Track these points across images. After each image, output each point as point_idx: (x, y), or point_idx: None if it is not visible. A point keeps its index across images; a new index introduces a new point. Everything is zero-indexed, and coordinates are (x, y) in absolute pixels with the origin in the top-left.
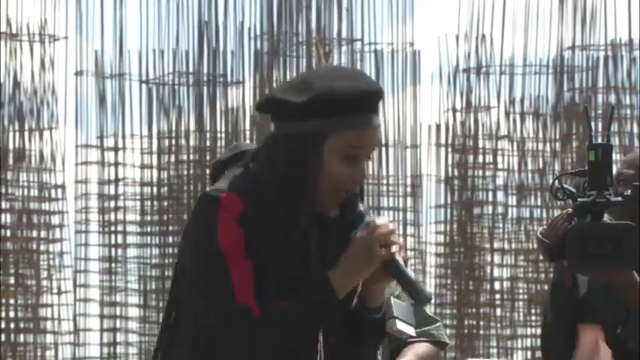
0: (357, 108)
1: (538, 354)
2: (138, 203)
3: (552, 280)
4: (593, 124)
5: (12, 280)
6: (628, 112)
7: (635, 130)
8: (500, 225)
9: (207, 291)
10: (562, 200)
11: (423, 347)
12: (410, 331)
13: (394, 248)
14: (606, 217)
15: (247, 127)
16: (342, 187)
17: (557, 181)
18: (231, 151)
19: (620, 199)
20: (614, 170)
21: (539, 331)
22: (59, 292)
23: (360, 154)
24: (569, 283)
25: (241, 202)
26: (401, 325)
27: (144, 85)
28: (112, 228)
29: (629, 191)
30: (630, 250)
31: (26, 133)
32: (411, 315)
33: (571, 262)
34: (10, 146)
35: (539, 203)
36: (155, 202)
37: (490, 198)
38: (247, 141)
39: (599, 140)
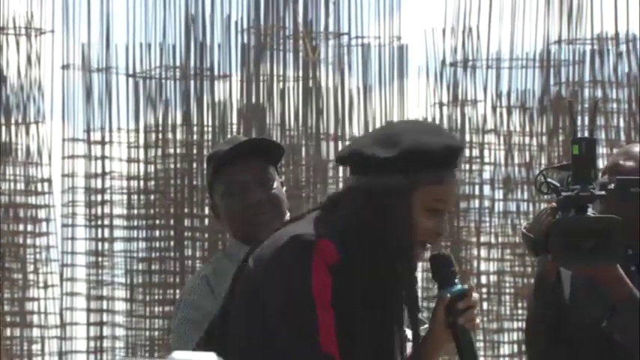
0: (442, 163)
1: (524, 347)
2: (125, 197)
3: (536, 274)
4: (579, 118)
5: None
6: (615, 106)
7: (622, 124)
8: (487, 219)
9: (294, 333)
10: (546, 194)
11: None
12: None
13: (474, 320)
14: (590, 211)
15: (234, 120)
16: (426, 241)
17: (541, 176)
18: (227, 144)
19: (603, 192)
20: (607, 162)
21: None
22: (45, 286)
23: (443, 208)
24: (553, 278)
25: (336, 250)
26: None
27: (131, 79)
28: (99, 222)
29: (613, 185)
30: (614, 244)
31: (12, 127)
32: None
33: (555, 257)
34: None
35: (525, 197)
36: (142, 196)
37: (477, 192)
38: (234, 134)
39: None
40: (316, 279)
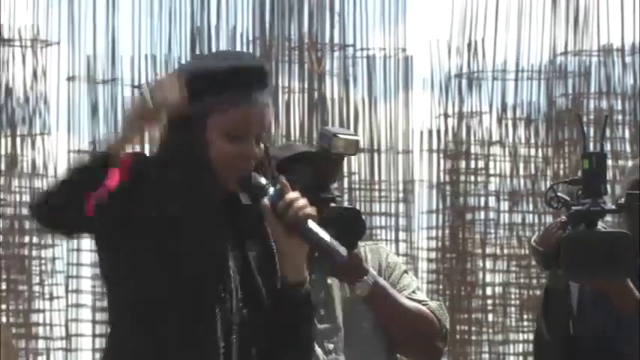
0: (235, 86)
1: (530, 359)
2: None
3: (546, 288)
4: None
5: (4, 286)
6: (620, 117)
7: (627, 135)
8: (492, 231)
9: None
10: (556, 209)
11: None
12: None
13: (304, 210)
14: (600, 225)
15: None
16: (232, 166)
17: (551, 190)
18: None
19: (614, 207)
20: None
21: (531, 336)
22: (51, 298)
23: (245, 132)
24: (563, 291)
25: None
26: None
27: (136, 91)
28: None
29: (623, 199)
30: (624, 258)
31: (18, 139)
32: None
33: (565, 270)
34: (2, 152)
35: (531, 209)
36: None
37: (482, 203)
38: None
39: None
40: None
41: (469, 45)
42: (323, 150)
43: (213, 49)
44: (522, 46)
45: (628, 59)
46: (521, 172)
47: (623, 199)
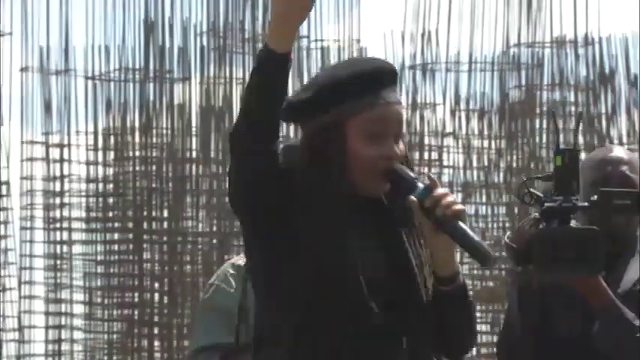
0: (365, 88)
1: (483, 350)
2: (83, 200)
3: (518, 285)
4: (538, 120)
5: None
6: (573, 109)
7: (581, 127)
8: None
9: None
10: (529, 205)
11: None
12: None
13: (453, 208)
14: (573, 222)
15: (193, 123)
16: (376, 168)
17: (523, 185)
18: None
19: (586, 204)
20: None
21: (484, 327)
22: (3, 289)
23: (383, 131)
24: (536, 288)
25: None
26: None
27: (89, 82)
28: (57, 225)
29: (596, 196)
30: (595, 255)
31: None
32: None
33: (538, 267)
34: None
35: (484, 200)
36: (100, 199)
37: None
38: (194, 138)
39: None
40: None
41: (423, 36)
42: None
43: (167, 41)
44: (475, 37)
45: (581, 51)
46: (475, 163)
47: (595, 197)
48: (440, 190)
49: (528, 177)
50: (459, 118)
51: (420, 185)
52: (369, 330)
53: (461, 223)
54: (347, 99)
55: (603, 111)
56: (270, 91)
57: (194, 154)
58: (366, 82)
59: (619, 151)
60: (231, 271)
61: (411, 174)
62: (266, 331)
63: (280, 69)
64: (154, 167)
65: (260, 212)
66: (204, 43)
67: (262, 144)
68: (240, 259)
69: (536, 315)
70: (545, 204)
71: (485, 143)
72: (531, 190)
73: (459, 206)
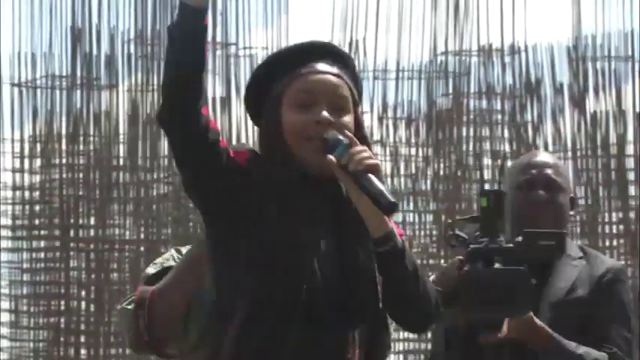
0: (298, 62)
1: (410, 357)
2: (9, 207)
3: (445, 327)
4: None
5: None
6: (499, 117)
7: (507, 135)
8: None
9: None
10: (454, 247)
11: None
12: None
13: (365, 162)
14: (497, 264)
15: (121, 130)
16: (305, 133)
17: (449, 228)
18: None
19: (511, 245)
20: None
21: (410, 335)
22: None
23: (312, 99)
24: (465, 329)
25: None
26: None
27: (16, 89)
28: None
29: (521, 237)
30: (521, 295)
31: None
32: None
33: (465, 309)
34: None
35: (411, 208)
36: (27, 207)
37: None
38: (121, 145)
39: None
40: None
41: (350, 44)
42: None
43: (94, 47)
44: (403, 45)
45: (507, 59)
46: (402, 171)
47: (520, 238)
48: (357, 148)
49: (454, 220)
50: (387, 125)
51: (339, 145)
52: (319, 314)
53: (371, 175)
54: (281, 73)
55: (529, 119)
56: (187, 42)
57: (121, 162)
58: (295, 56)
59: (544, 156)
60: (176, 255)
61: (339, 137)
62: (219, 309)
63: (195, 22)
64: (80, 175)
65: (208, 189)
66: (132, 50)
67: (187, 98)
68: (184, 248)
69: (463, 356)
70: (471, 245)
71: (413, 151)
72: (457, 232)
73: (372, 160)
